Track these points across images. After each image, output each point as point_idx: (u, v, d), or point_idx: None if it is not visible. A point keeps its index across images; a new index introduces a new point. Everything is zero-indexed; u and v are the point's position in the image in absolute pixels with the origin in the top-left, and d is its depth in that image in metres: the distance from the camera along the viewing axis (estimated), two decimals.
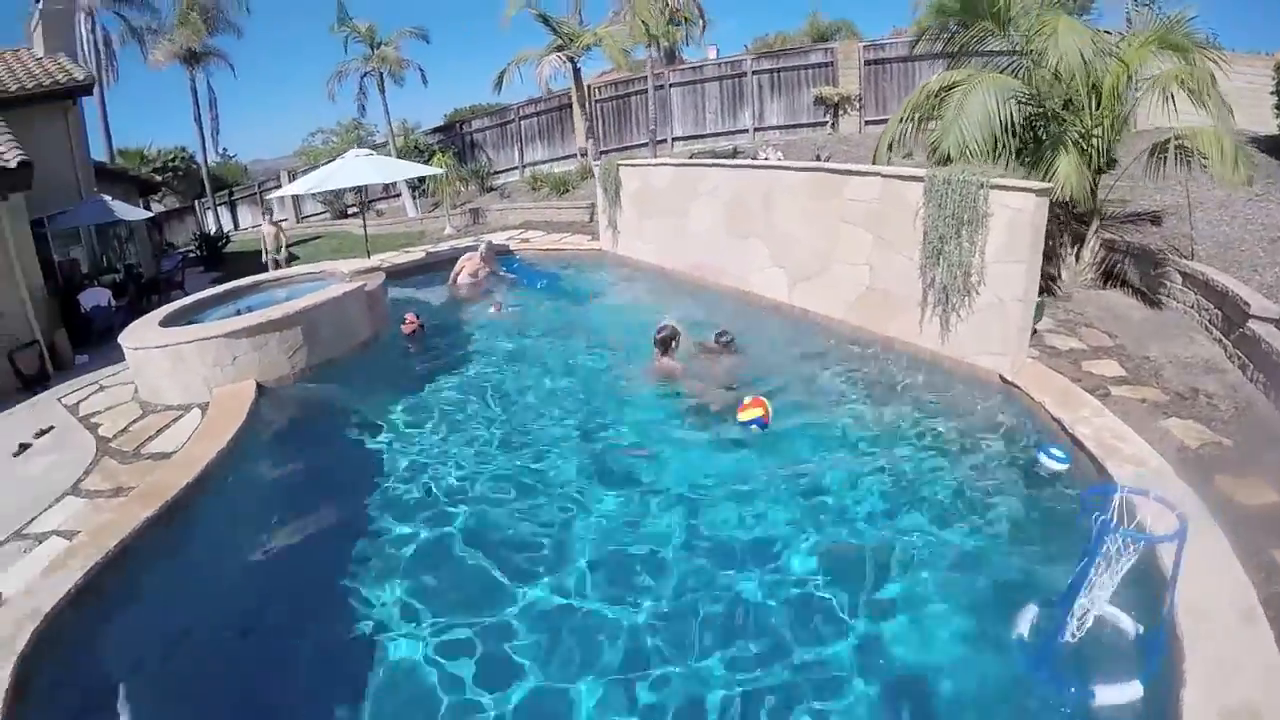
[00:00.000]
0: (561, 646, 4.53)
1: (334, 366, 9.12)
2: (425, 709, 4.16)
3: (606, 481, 6.37)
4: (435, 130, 28.61)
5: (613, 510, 5.95)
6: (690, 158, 16.27)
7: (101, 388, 9.29)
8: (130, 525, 5.53)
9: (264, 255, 17.31)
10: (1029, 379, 6.99)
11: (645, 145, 21.18)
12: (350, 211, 27.46)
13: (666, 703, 4.06)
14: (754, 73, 21.15)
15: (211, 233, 26.70)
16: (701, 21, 21.39)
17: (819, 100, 20.12)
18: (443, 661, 4.48)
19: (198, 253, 24.34)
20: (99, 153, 26.22)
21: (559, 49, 20.49)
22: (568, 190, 20.63)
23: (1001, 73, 9.09)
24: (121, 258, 17.68)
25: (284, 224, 15.27)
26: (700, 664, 4.31)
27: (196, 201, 35.33)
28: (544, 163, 24.52)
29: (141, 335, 8.62)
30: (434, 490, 6.44)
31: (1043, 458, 5.80)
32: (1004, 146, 8.68)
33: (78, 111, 15.25)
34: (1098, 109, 8.60)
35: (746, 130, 21.43)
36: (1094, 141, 8.72)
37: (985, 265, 7.22)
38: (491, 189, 24.50)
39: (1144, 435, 5.76)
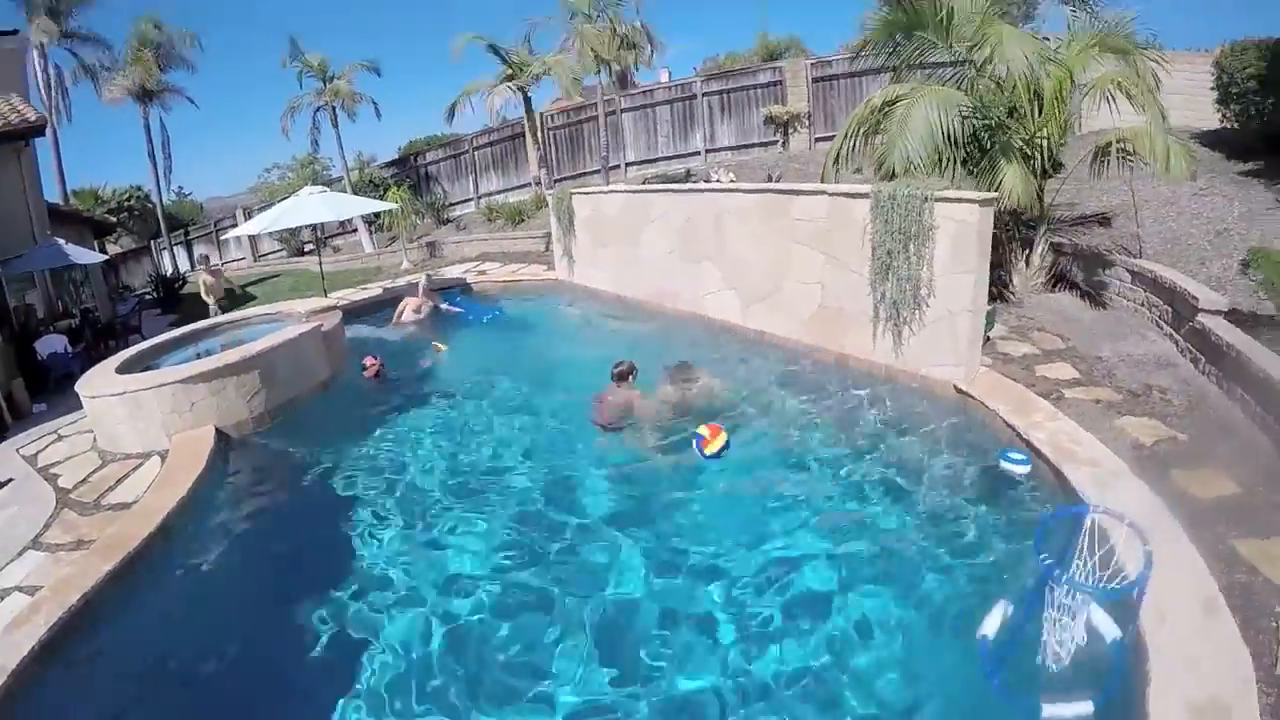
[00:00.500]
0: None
1: (294, 408, 9.06)
2: None
3: (562, 523, 6.32)
4: (390, 164, 28.50)
5: (584, 557, 5.89)
6: (643, 183, 16.44)
7: (60, 437, 9.15)
8: (92, 579, 5.48)
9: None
10: (983, 388, 7.11)
11: (599, 172, 21.26)
12: (307, 249, 27.28)
13: None
14: (704, 95, 21.39)
15: (168, 274, 26.36)
16: (650, 47, 21.52)
17: (769, 120, 20.38)
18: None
19: (154, 295, 24.01)
20: (52, 193, 25.87)
21: (509, 79, 20.50)
22: (523, 220, 20.69)
23: (945, 84, 9.25)
24: (77, 302, 17.46)
25: (220, 270, 14.70)
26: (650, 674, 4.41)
27: (152, 242, 34.77)
28: (499, 193, 24.56)
29: (98, 383, 8.50)
30: (394, 540, 6.38)
31: (1004, 463, 5.90)
32: (949, 158, 8.84)
33: (30, 153, 15.12)
34: (1040, 115, 8.79)
35: (699, 153, 21.64)
36: (1038, 148, 8.92)
37: (934, 278, 7.35)
38: (448, 221, 24.47)
39: (1099, 436, 5.89)
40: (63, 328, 14.40)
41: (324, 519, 6.87)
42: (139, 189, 39.17)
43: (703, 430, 6.67)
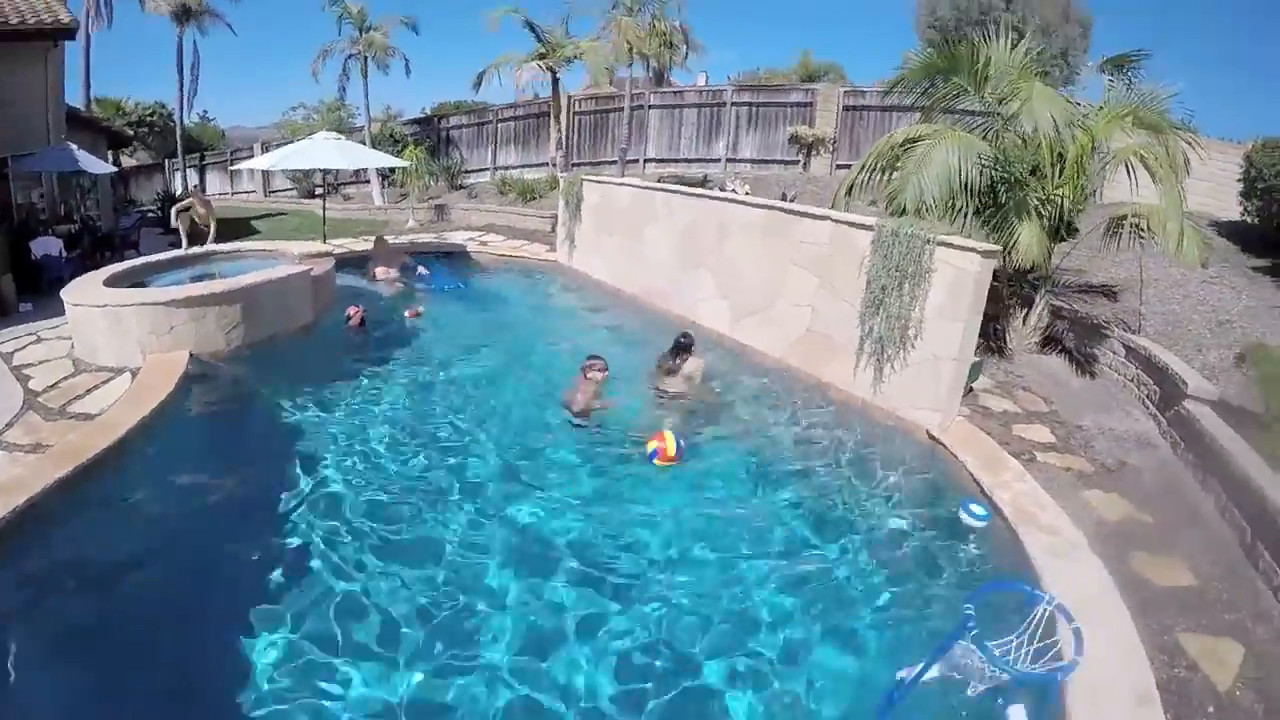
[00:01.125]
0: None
1: (272, 345, 9.08)
2: (321, 681, 4.26)
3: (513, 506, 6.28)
4: (413, 122, 28.46)
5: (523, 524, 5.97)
6: (659, 180, 16.38)
7: (39, 339, 9.12)
8: (41, 483, 5.45)
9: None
10: (956, 438, 7.10)
11: (616, 163, 21.28)
12: (318, 192, 27.15)
13: None
14: (733, 104, 21.35)
15: (176, 194, 26.19)
16: (685, 48, 21.52)
17: (794, 139, 20.37)
18: (341, 638, 4.58)
19: (159, 213, 23.79)
20: (76, 98, 25.87)
21: (541, 57, 20.52)
22: (534, 198, 20.69)
23: (971, 132, 9.22)
24: (81, 208, 17.29)
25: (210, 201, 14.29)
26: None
27: (167, 160, 34.65)
28: (517, 168, 24.51)
29: (83, 292, 8.50)
30: (344, 483, 6.42)
31: (963, 514, 5.86)
32: (963, 205, 8.86)
33: (58, 54, 14.88)
34: (1060, 177, 8.78)
35: (719, 160, 21.59)
36: (1053, 209, 8.88)
37: (924, 320, 7.35)
38: (461, 187, 24.42)
39: (1064, 505, 5.85)
40: (62, 232, 14.21)
41: (281, 453, 6.89)
42: (163, 106, 38.92)
43: (653, 444, 6.67)
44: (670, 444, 6.60)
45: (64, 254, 12.89)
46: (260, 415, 7.76)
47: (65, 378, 7.82)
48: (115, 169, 21.63)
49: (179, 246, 12.47)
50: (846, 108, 20.15)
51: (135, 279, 9.65)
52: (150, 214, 23.47)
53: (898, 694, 3.84)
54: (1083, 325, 9.54)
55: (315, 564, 5.31)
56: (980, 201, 9.04)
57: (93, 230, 15.82)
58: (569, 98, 22.82)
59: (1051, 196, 8.79)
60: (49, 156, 14.28)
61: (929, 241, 7.21)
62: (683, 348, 8.22)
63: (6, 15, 13.04)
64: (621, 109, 21.24)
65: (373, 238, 15.22)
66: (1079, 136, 8.65)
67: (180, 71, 28.73)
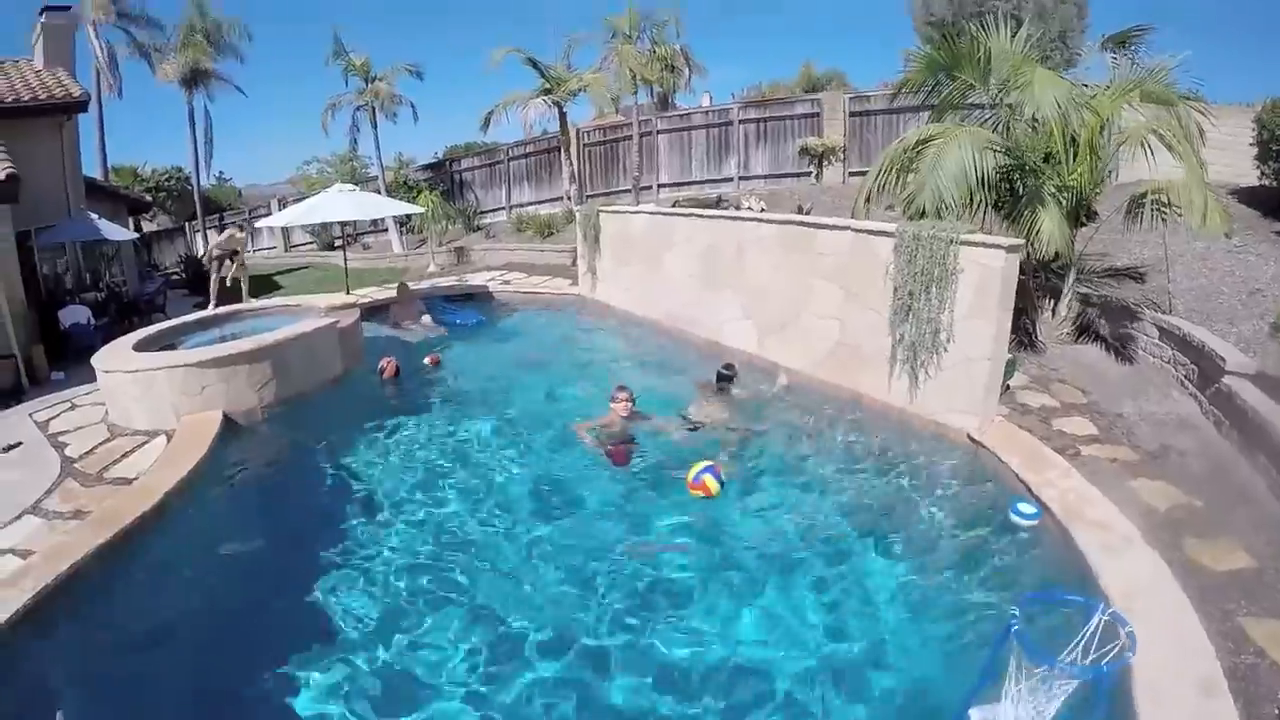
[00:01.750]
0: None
1: (303, 400, 9.07)
2: None
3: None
4: (425, 168, 28.75)
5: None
6: (674, 204, 16.41)
7: (74, 406, 9.25)
8: (83, 550, 5.49)
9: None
10: (997, 438, 6.97)
11: (630, 191, 21.33)
12: (337, 244, 27.48)
13: None
14: (740, 122, 21.31)
15: (198, 255, 26.57)
16: (688, 71, 21.60)
17: (804, 151, 20.28)
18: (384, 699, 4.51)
19: (182, 275, 24.19)
20: (93, 168, 26.33)
21: (546, 92, 20.61)
22: (552, 233, 20.75)
23: (981, 126, 9.17)
24: (106, 276, 17.59)
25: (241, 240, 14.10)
26: None
27: (187, 223, 35.24)
28: (531, 204, 24.62)
29: (114, 359, 8.61)
30: (388, 541, 6.35)
31: (1012, 515, 5.77)
32: (981, 200, 8.77)
33: (72, 127, 15.25)
34: (1074, 161, 8.67)
35: (731, 179, 21.55)
36: (1071, 195, 8.77)
37: (954, 322, 7.24)
38: (478, 228, 24.56)
39: (1112, 497, 5.71)
40: (88, 300, 14.54)
41: (320, 508, 6.94)
42: (179, 170, 39.74)
43: (698, 467, 6.51)
44: (703, 479, 6.44)
45: (92, 321, 13.14)
46: (296, 471, 7.78)
47: (101, 443, 7.90)
48: (137, 235, 21.99)
49: (204, 308, 12.61)
50: (853, 114, 20.04)
51: (164, 342, 9.75)
52: (175, 276, 23.84)
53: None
54: (1113, 310, 9.37)
55: (357, 623, 5.25)
56: (998, 194, 8.96)
57: (118, 296, 16.13)
58: (577, 130, 22.91)
59: (1068, 182, 8.68)
60: (70, 227, 14.57)
61: (952, 242, 7.11)
62: (725, 378, 8.45)
63: (18, 93, 13.46)
64: (630, 137, 21.30)
65: (394, 285, 15.34)
66: (1088, 118, 8.53)
67: (194, 135, 29.28)
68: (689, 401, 8.43)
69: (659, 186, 22.36)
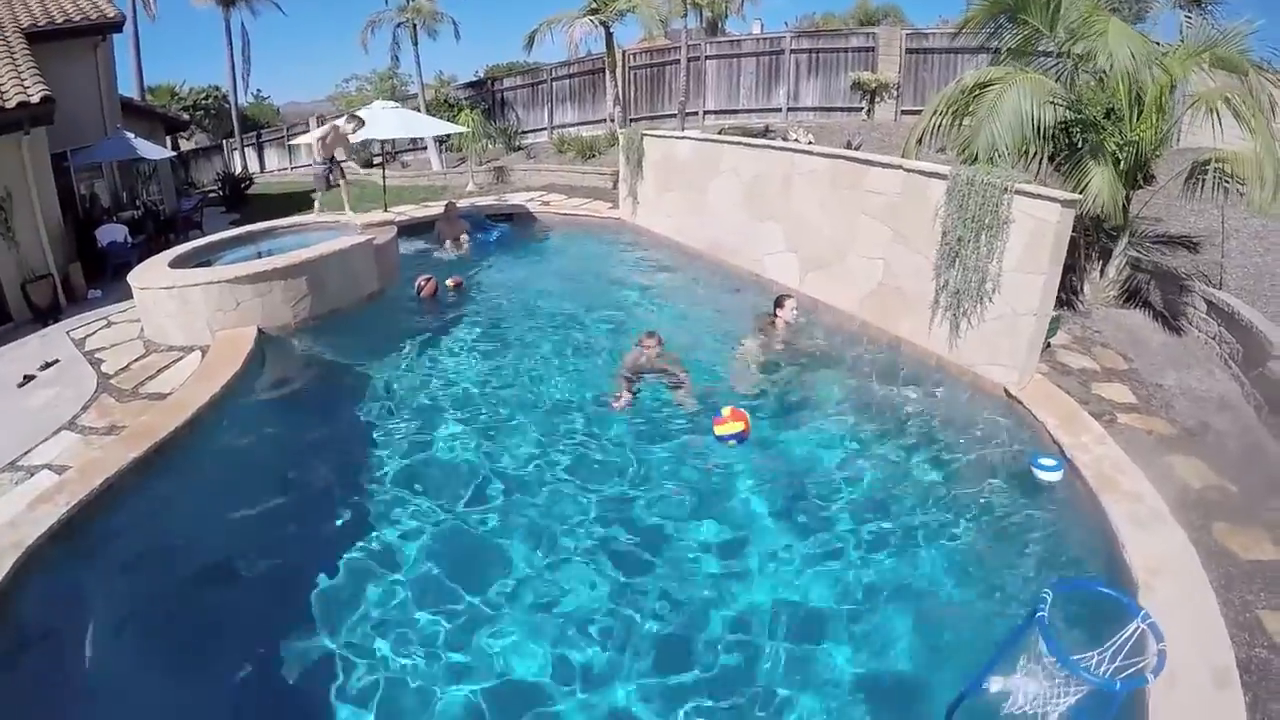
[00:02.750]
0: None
1: (339, 316, 9.15)
2: (395, 656, 4.33)
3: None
4: (467, 86, 28.40)
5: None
6: (720, 133, 16.04)
7: (110, 323, 9.38)
8: (116, 464, 5.60)
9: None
10: (1034, 396, 6.81)
11: (675, 116, 20.86)
12: (375, 161, 27.38)
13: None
14: (792, 51, 20.66)
15: (236, 173, 26.62)
16: None
17: (856, 85, 19.64)
18: (418, 614, 4.64)
19: (220, 193, 24.29)
20: (129, 89, 26.25)
21: (593, 12, 20.02)
22: (594, 155, 20.45)
23: (1043, 74, 8.76)
24: (144, 194, 17.70)
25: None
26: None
27: (225, 141, 35.25)
28: (573, 126, 24.21)
29: (149, 275, 8.67)
30: (418, 456, 6.49)
31: (1034, 469, 5.70)
32: (1036, 151, 8.45)
33: (108, 47, 15.24)
34: (1138, 120, 8.29)
35: (780, 109, 20.99)
36: (1130, 154, 8.41)
37: (1002, 273, 7.02)
38: (519, 148, 24.28)
39: (1146, 470, 5.56)
40: (125, 218, 14.68)
41: (351, 423, 7.06)
42: (217, 89, 39.73)
43: (724, 410, 6.22)
44: (734, 425, 6.12)
45: (129, 239, 13.27)
46: (331, 387, 7.91)
47: (136, 359, 8.01)
48: (174, 153, 22.03)
49: (241, 224, 12.58)
50: (909, 51, 19.33)
51: (200, 259, 9.80)
52: (212, 194, 23.92)
53: (972, 688, 3.62)
54: (1162, 278, 9.05)
55: (389, 540, 5.37)
56: (1054, 146, 8.63)
57: (155, 214, 16.24)
58: (623, 52, 22.35)
59: (1129, 140, 8.31)
60: (107, 146, 14.63)
61: (1006, 190, 6.84)
62: (780, 299, 8.39)
63: (53, 15, 13.50)
64: (678, 61, 20.76)
65: (431, 203, 15.22)
66: (1158, 75, 8.12)
67: (231, 54, 29.21)
68: (741, 336, 8.43)
69: (705, 113, 21.89)
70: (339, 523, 5.51)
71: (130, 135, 14.88)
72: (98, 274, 11.94)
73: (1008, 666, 3.32)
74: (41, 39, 12.69)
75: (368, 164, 26.99)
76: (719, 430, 6.12)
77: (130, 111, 18.00)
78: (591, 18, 19.83)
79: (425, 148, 25.50)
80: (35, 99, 9.96)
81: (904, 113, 19.11)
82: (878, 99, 19.59)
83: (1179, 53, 8.44)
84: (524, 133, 25.54)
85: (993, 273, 7.08)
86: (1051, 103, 8.06)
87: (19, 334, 9.42)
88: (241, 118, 32.27)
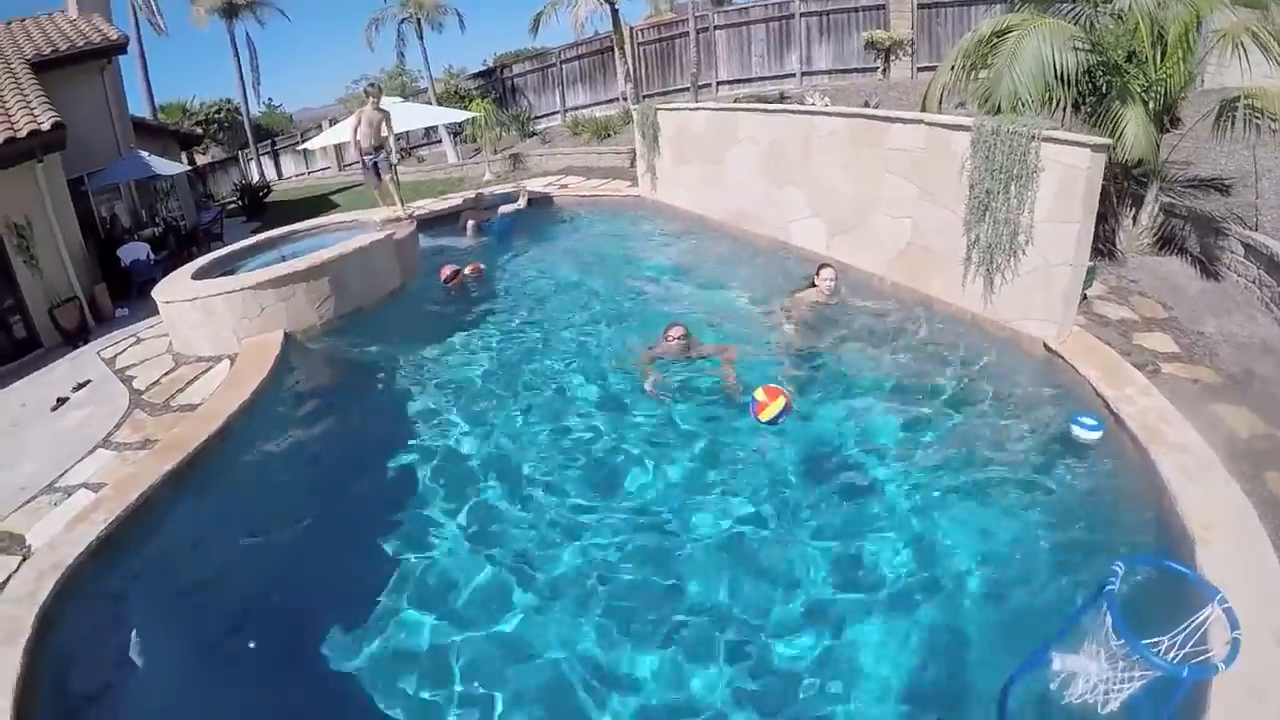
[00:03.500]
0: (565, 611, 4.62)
1: (363, 315, 9.17)
2: (425, 671, 4.25)
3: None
4: (476, 76, 28.25)
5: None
6: (734, 102, 15.83)
7: (139, 340, 9.49)
8: (151, 479, 5.64)
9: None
10: (1074, 349, 6.61)
11: (688, 90, 20.61)
12: (392, 159, 27.37)
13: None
14: (802, 15, 20.27)
15: (253, 183, 26.77)
16: None
17: (869, 45, 19.28)
18: (451, 623, 4.57)
19: (239, 203, 24.50)
20: (140, 108, 26.51)
21: None
22: (609, 135, 20.31)
23: (1061, 20, 8.39)
24: (163, 210, 17.93)
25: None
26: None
27: (240, 152, 35.46)
28: (586, 107, 24.07)
29: (173, 289, 8.74)
30: (452, 449, 6.44)
31: (1074, 428, 5.54)
32: (1060, 98, 8.21)
33: (114, 69, 15.40)
34: (1163, 60, 8.00)
35: (794, 75, 20.65)
36: (1157, 96, 8.12)
37: (1034, 224, 6.80)
38: (533, 134, 24.18)
39: (1192, 420, 5.37)
40: (146, 236, 14.92)
41: (382, 424, 7.05)
42: (229, 102, 39.87)
43: (759, 394, 6.01)
44: (775, 405, 5.90)
45: (152, 256, 13.40)
46: (359, 385, 7.90)
47: (167, 373, 8.09)
48: (189, 168, 22.24)
49: (262, 232, 12.60)
50: (921, 6, 18.86)
51: (223, 268, 9.86)
52: (231, 205, 24.08)
53: (1032, 662, 3.49)
54: (1197, 222, 8.72)
55: (425, 537, 5.35)
56: (1079, 92, 8.36)
57: (176, 230, 16.48)
58: (631, 29, 22.09)
59: (1155, 82, 8.04)
60: (122, 167, 14.82)
61: (1034, 138, 6.60)
62: (819, 268, 8.21)
63: (55, 43, 13.83)
64: (686, 34, 20.49)
65: (450, 195, 15.18)
66: (1180, 11, 7.79)
67: (239, 65, 29.41)
68: (776, 305, 8.33)
69: (718, 84, 21.66)
70: (374, 530, 5.44)
71: (144, 154, 15.06)
72: (124, 293, 12.10)
73: (1071, 643, 3.18)
74: (47, 67, 12.91)
75: None
76: (764, 416, 5.91)
77: (143, 130, 18.26)
78: None
79: (440, 141, 25.48)
80: (46, 126, 10.06)
81: (920, 69, 18.71)
82: (893, 57, 19.22)
83: None
84: (537, 118, 25.41)
85: (1024, 224, 6.87)
86: (1074, 48, 7.79)
87: (49, 358, 9.57)
88: (255, 128, 32.47)
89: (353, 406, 7.57)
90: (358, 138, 11.48)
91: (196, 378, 7.76)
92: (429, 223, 14.03)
